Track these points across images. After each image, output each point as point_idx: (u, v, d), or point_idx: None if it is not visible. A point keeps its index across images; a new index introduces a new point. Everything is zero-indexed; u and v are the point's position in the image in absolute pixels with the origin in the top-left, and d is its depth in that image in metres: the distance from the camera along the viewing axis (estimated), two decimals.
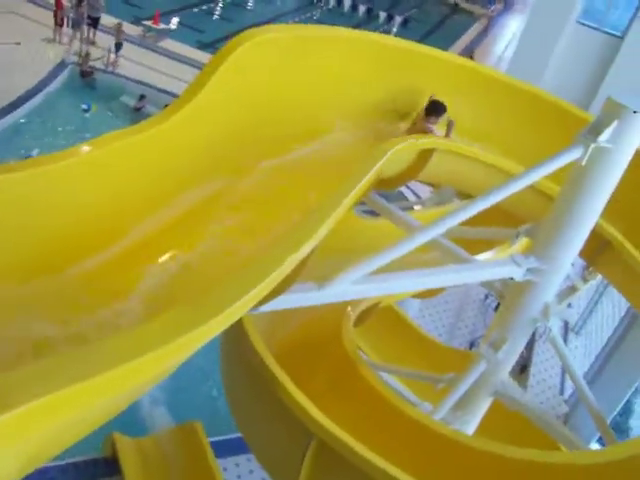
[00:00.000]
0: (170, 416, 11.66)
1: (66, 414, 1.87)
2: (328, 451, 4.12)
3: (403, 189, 15.85)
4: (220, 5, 33.50)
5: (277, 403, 4.39)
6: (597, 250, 6.67)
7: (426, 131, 6.09)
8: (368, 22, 36.07)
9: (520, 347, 5.90)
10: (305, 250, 3.21)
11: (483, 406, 6.31)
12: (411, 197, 15.68)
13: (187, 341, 2.36)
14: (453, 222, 4.79)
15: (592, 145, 4.64)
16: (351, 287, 4.37)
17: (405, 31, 35.49)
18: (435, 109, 6.10)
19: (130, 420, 11.23)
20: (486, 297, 14.70)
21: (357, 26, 31.93)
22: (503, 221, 6.21)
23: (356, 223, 7.92)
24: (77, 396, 1.87)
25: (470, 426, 6.40)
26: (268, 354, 4.60)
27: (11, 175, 3.04)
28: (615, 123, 4.61)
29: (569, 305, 14.70)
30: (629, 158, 4.84)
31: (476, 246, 7.28)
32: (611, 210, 5.74)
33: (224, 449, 10.40)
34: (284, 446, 4.82)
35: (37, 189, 3.15)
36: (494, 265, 5.28)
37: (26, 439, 1.81)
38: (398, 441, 5.01)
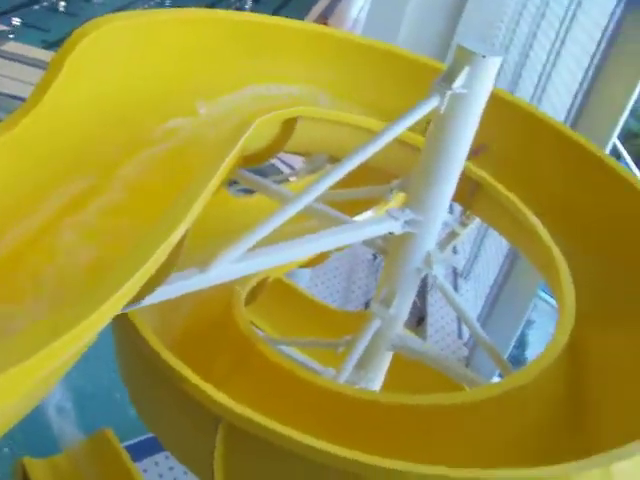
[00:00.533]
0: (79, 429, 11.37)
1: None
2: (237, 432, 4.10)
3: (277, 163, 15.87)
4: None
5: (178, 393, 4.33)
6: (469, 193, 6.88)
7: None
8: (220, 1, 35.67)
9: (410, 299, 6.03)
10: (174, 238, 3.16)
11: (384, 362, 6.44)
12: (285, 169, 15.71)
13: (53, 351, 2.27)
14: (324, 186, 4.82)
15: (448, 92, 4.75)
16: (233, 266, 4.36)
17: (258, 6, 35.35)
18: None
19: (37, 442, 10.91)
20: (374, 257, 14.97)
21: (211, 5, 31.53)
22: (381, 180, 6.31)
23: (233, 203, 7.89)
24: None
25: (376, 383, 6.53)
26: (160, 344, 4.52)
27: None
28: (467, 69, 4.73)
29: (455, 252, 15.30)
30: (485, 101, 4.99)
31: (357, 208, 7.41)
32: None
33: (140, 451, 10.29)
34: (193, 435, 4.77)
35: None
36: (372, 223, 5.36)
37: None
38: (307, 410, 5.05)
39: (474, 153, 5.77)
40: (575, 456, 3.96)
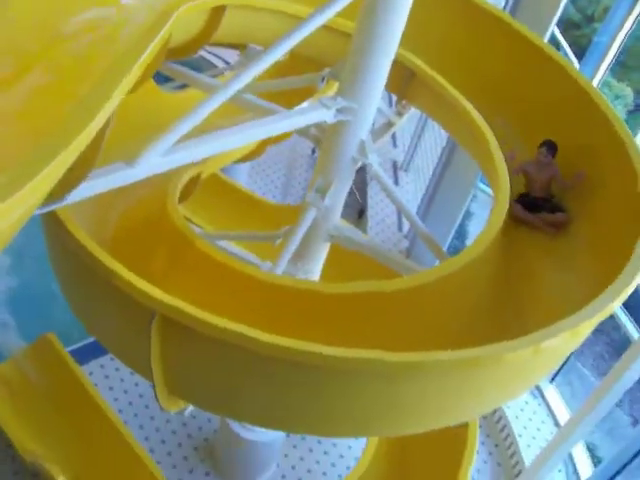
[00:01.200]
0: (21, 338, 11.36)
1: None
2: (171, 324, 4.08)
3: (211, 58, 15.44)
4: None
5: (110, 289, 4.28)
6: (404, 82, 6.80)
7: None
8: None
9: (345, 189, 6.00)
10: (93, 127, 3.02)
11: (321, 253, 6.46)
12: (220, 65, 15.31)
13: None
14: (252, 74, 4.69)
15: None
16: (161, 159, 4.26)
17: None
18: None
19: None
20: (313, 152, 14.87)
21: None
22: (314, 70, 6.18)
23: (165, 99, 7.68)
24: None
25: (314, 275, 6.57)
26: (88, 240, 4.42)
27: None
28: None
29: (395, 145, 15.24)
30: None
31: (292, 101, 7.26)
32: (412, 42, 5.82)
33: (85, 354, 10.30)
34: (129, 333, 4.74)
35: None
36: (304, 111, 5.27)
37: None
38: (246, 303, 5.05)
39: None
40: (504, 338, 4.08)
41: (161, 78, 6.95)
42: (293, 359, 3.84)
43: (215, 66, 15.50)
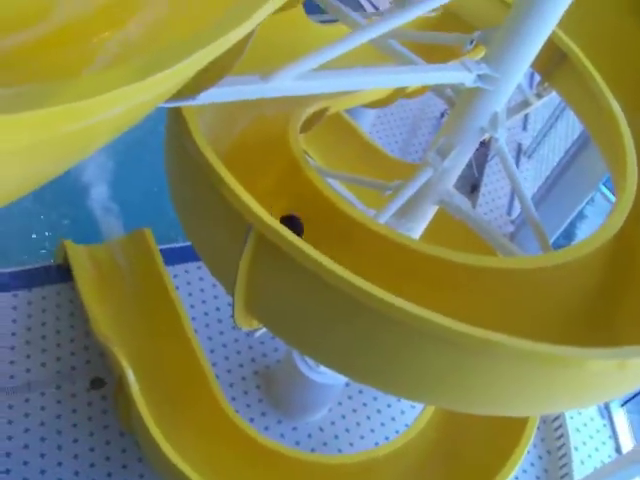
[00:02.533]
0: (122, 226, 11.73)
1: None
2: (265, 243, 4.14)
3: (363, 1, 15.31)
4: None
5: (217, 197, 4.35)
6: (553, 63, 6.56)
7: None
8: None
9: (466, 157, 5.88)
10: (237, 32, 3.03)
11: (428, 214, 6.38)
12: (370, 9, 15.17)
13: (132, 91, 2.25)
14: (400, 20, 4.60)
15: None
16: (295, 82, 4.25)
17: None
18: None
19: (82, 231, 11.30)
20: (442, 115, 14.64)
21: None
22: (459, 31, 6.03)
23: (311, 29, 7.66)
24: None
25: (414, 234, 6.50)
26: (208, 148, 4.51)
27: None
28: None
29: (524, 128, 14.87)
30: None
31: (435, 58, 7.13)
32: (571, 23, 5.58)
33: (175, 256, 10.60)
34: (224, 241, 4.83)
35: None
36: (444, 69, 5.14)
37: None
38: (340, 241, 5.07)
39: None
40: (593, 344, 3.97)
41: (310, 8, 6.93)
42: (392, 315, 3.85)
43: (364, 9, 15.37)
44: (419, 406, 9.38)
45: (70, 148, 2.44)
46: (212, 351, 9.91)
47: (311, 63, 4.28)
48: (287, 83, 4.23)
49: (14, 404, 8.73)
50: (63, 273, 10.06)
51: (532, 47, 5.09)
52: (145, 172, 12.82)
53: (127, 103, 2.37)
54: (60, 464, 8.48)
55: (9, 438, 8.49)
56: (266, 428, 9.45)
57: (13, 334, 9.34)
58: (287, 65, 4.20)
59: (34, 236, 12.33)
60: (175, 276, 10.43)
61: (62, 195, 12.46)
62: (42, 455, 8.48)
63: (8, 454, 8.37)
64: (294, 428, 9.59)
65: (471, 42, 5.65)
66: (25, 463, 8.38)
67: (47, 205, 12.55)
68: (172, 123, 5.09)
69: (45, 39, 3.21)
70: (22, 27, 3.15)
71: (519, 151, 14.46)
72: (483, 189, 13.39)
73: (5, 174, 2.16)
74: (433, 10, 8.04)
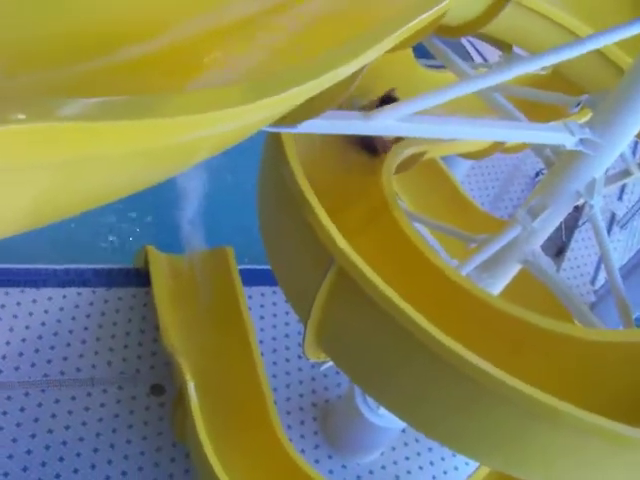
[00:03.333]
0: (206, 241, 11.93)
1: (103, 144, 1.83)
2: (345, 278, 4.15)
3: (471, 51, 15.30)
4: None
5: (304, 226, 4.40)
6: None
7: None
8: None
9: (557, 220, 5.79)
10: (349, 67, 3.08)
11: (510, 272, 6.28)
12: (477, 59, 15.14)
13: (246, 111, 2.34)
14: (509, 74, 4.59)
15: None
16: (396, 123, 4.28)
17: None
18: None
19: (166, 240, 11.54)
20: (536, 175, 14.44)
21: None
22: (567, 92, 5.97)
23: (419, 72, 7.70)
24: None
25: (493, 289, 6.41)
26: (303, 178, 4.57)
27: None
28: None
29: (620, 198, 14.52)
30: None
31: (538, 117, 7.07)
32: None
33: (253, 278, 10.69)
34: (305, 270, 4.87)
35: None
36: (546, 129, 5.09)
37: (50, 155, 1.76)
38: (419, 285, 5.03)
39: None
40: None
41: (420, 52, 6.98)
42: (465, 371, 3.82)
43: (472, 59, 15.36)
44: (473, 464, 9.17)
45: (170, 160, 2.51)
46: (274, 376, 9.93)
47: (415, 106, 4.30)
48: (389, 123, 4.26)
49: (77, 396, 8.93)
50: (142, 277, 10.28)
51: None
52: (235, 190, 13.05)
53: (233, 123, 2.43)
54: (110, 462, 8.61)
55: (66, 427, 8.67)
56: (316, 461, 9.38)
57: (86, 328, 9.57)
58: (390, 106, 4.24)
59: (115, 238, 12.65)
60: (250, 297, 10.51)
61: (150, 200, 12.80)
62: (95, 450, 8.63)
63: (64, 442, 8.56)
64: (344, 466, 9.50)
65: (577, 104, 5.59)
66: (78, 455, 8.54)
67: (134, 208, 12.88)
68: (270, 147, 5.18)
69: (158, 53, 3.32)
70: (136, 41, 3.26)
71: (612, 220, 14.13)
72: (569, 254, 13.12)
73: (109, 177, 2.23)
74: (542, 68, 7.99)
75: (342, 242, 4.16)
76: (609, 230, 13.86)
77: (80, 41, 3.03)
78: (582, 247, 13.36)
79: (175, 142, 2.21)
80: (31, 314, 9.47)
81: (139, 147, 2.05)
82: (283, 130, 3.92)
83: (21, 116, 1.58)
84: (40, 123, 1.63)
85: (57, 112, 1.70)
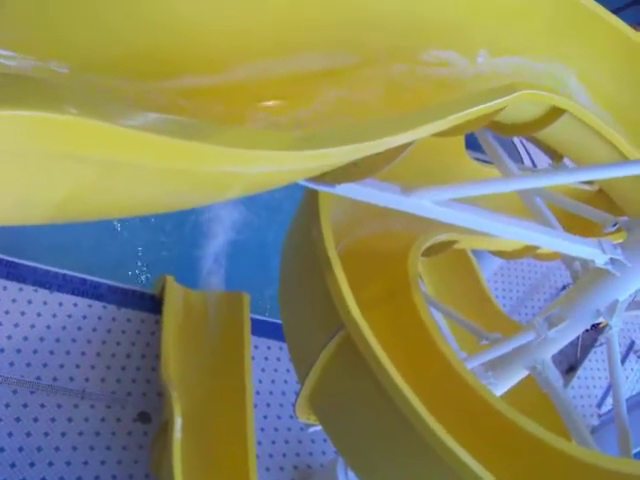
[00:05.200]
0: (224, 284, 12.01)
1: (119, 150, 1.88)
2: (350, 346, 4.14)
3: (523, 153, 15.40)
4: None
5: (322, 286, 4.41)
6: None
7: None
8: None
9: (573, 334, 5.75)
10: (403, 137, 3.13)
11: (515, 377, 6.21)
12: (527, 162, 15.21)
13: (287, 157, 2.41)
14: (552, 180, 4.64)
15: None
16: (432, 205, 4.31)
17: None
18: None
19: (186, 275, 11.64)
20: (563, 288, 14.36)
21: None
22: (607, 211, 5.98)
23: (465, 162, 7.77)
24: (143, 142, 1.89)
25: (496, 390, 6.34)
26: (331, 242, 4.60)
27: None
28: None
29: None
30: None
31: (574, 229, 7.08)
32: None
33: (263, 329, 10.72)
34: (313, 329, 4.87)
35: None
36: (579, 242, 5.10)
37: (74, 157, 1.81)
38: (423, 370, 5.01)
39: None
40: None
41: (471, 144, 7.05)
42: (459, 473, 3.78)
43: (522, 162, 15.45)
44: None
45: (203, 188, 2.56)
46: (262, 429, 9.83)
47: (454, 192, 4.34)
48: (425, 203, 4.29)
49: (63, 405, 8.89)
50: (154, 304, 10.32)
51: None
52: (265, 239, 13.17)
53: (273, 166, 2.48)
54: (79, 478, 8.50)
55: (45, 434, 8.61)
56: None
57: (89, 341, 9.58)
58: (431, 187, 4.27)
59: (138, 263, 12.75)
60: (256, 347, 10.50)
61: (179, 231, 12.95)
62: (68, 463, 8.54)
63: (39, 449, 8.49)
64: None
65: (614, 224, 5.59)
66: (50, 464, 8.45)
67: (160, 235, 13.00)
68: (305, 203, 5.24)
69: (218, 87, 3.40)
70: (198, 72, 3.35)
71: (630, 348, 13.95)
72: (580, 372, 12.96)
73: (141, 188, 2.28)
74: (589, 183, 8.03)
75: (356, 311, 4.16)
76: (625, 357, 13.68)
77: (148, 61, 3.13)
78: (595, 368, 13.19)
79: (213, 171, 2.26)
80: (39, 315, 9.51)
81: (179, 166, 2.10)
82: (321, 188, 3.96)
83: (74, 110, 1.64)
84: (96, 121, 1.70)
85: (115, 117, 1.77)
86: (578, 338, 12.87)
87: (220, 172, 2.30)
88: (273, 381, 10.47)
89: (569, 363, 13.18)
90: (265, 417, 10.00)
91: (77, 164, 1.87)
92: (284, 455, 9.82)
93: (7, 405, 8.61)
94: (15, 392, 8.74)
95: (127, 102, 3.01)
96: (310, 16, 3.81)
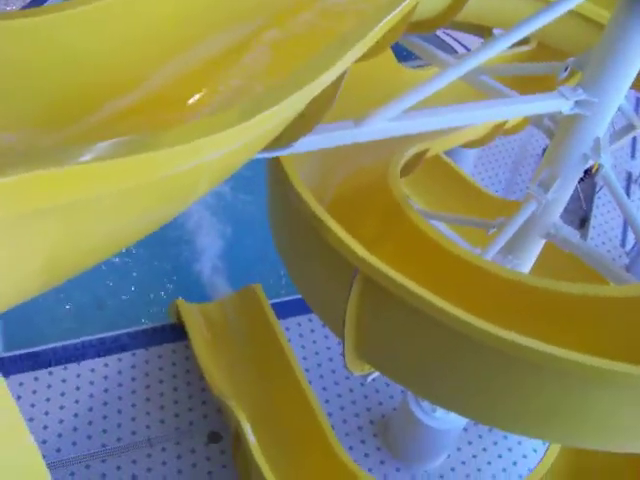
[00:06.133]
0: (231, 285, 11.98)
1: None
2: (371, 285, 4.15)
3: (452, 43, 15.32)
4: None
5: (321, 244, 4.41)
6: None
7: None
8: None
9: (570, 187, 5.75)
10: (330, 74, 3.11)
11: (535, 249, 6.24)
12: (460, 50, 15.12)
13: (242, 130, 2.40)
14: (490, 52, 4.59)
15: None
16: (388, 124, 4.29)
17: None
18: None
19: (193, 290, 11.64)
20: (544, 152, 14.34)
21: None
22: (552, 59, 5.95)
23: (402, 73, 7.72)
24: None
25: (522, 269, 6.37)
26: (310, 196, 4.59)
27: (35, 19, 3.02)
28: None
29: (633, 156, 14.40)
30: None
31: (532, 90, 7.06)
32: None
33: (286, 310, 10.72)
34: (331, 287, 4.87)
35: (65, 32, 3.13)
36: (540, 98, 5.07)
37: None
38: (446, 279, 5.02)
39: None
40: None
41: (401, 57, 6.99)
42: (496, 345, 3.80)
43: (455, 51, 15.37)
44: (540, 451, 9.06)
45: (173, 193, 2.55)
46: (327, 401, 9.89)
47: (404, 104, 4.31)
48: (381, 125, 4.27)
49: (137, 459, 8.96)
50: (177, 331, 10.34)
51: (630, 67, 4.97)
52: (248, 228, 13.11)
53: (224, 148, 2.47)
54: None
55: None
56: (385, 476, 9.31)
57: (133, 392, 9.62)
58: (380, 108, 4.25)
59: (151, 296, 12.67)
60: (287, 329, 10.53)
61: (170, 255, 12.88)
62: None
63: None
64: (413, 476, 9.42)
65: (565, 69, 5.57)
66: None
67: (154, 264, 12.91)
68: (273, 176, 5.21)
69: (142, 103, 3.39)
70: (120, 93, 3.33)
71: (629, 180, 13.97)
72: (593, 221, 13.00)
73: (119, 218, 2.27)
74: (526, 43, 7.99)
75: (361, 250, 4.16)
76: (627, 190, 13.73)
77: (66, 105, 3.12)
78: (605, 212, 13.24)
79: (172, 174, 2.26)
80: (78, 388, 9.53)
81: (146, 179, 2.11)
82: (279, 153, 3.94)
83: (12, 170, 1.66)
84: (54, 169, 1.72)
85: (69, 157, 1.79)
86: (578, 191, 12.91)
87: (179, 173, 2.30)
88: (316, 353, 10.52)
89: (579, 218, 13.23)
90: (324, 389, 10.06)
91: (39, 222, 1.87)
92: (357, 415, 9.90)
93: None
94: (88, 467, 8.81)
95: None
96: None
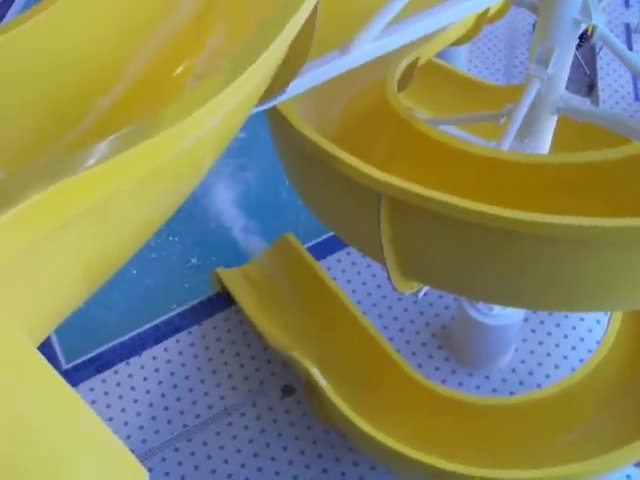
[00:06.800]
0: (264, 240, 11.98)
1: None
2: (398, 205, 4.15)
3: None
4: None
5: (339, 178, 4.41)
6: None
7: None
8: None
9: (569, 56, 5.64)
10: (300, 14, 3.06)
11: (549, 127, 6.17)
12: None
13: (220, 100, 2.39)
14: None
15: None
16: (374, 44, 4.24)
17: None
18: None
19: (228, 254, 11.69)
20: (533, 27, 14.02)
21: None
22: None
23: None
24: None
25: (542, 150, 6.31)
26: (315, 134, 4.57)
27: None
28: None
29: (627, 6, 14.00)
30: None
31: None
32: None
33: (322, 250, 10.79)
34: (360, 218, 4.88)
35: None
36: None
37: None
38: (471, 179, 5.01)
39: None
40: None
41: None
42: (519, 229, 3.80)
43: None
44: (604, 320, 9.09)
45: (185, 170, 2.56)
46: (385, 327, 9.97)
47: (382, 20, 4.25)
48: (367, 47, 4.22)
49: (220, 430, 9.20)
50: (224, 299, 10.45)
51: None
52: (265, 179, 13.04)
53: (221, 111, 2.47)
54: (277, 473, 8.85)
55: (225, 461, 8.95)
56: (460, 384, 9.42)
57: (199, 368, 9.79)
58: (361, 31, 4.19)
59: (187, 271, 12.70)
60: (329, 268, 10.57)
61: (199, 229, 12.86)
62: (259, 469, 8.88)
63: (230, 475, 8.81)
64: (487, 377, 9.52)
65: None
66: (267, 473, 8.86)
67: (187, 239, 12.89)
68: (275, 125, 5.19)
69: (130, 93, 3.38)
70: (102, 89, 3.33)
71: (628, 31, 13.56)
72: (601, 84, 12.71)
73: (140, 204, 2.30)
74: None
75: (380, 174, 4.15)
76: (629, 42, 13.37)
77: (62, 112, 3.13)
78: (611, 72, 12.94)
79: (181, 149, 2.28)
80: (145, 379, 9.73)
81: (147, 168, 2.12)
82: (275, 101, 3.92)
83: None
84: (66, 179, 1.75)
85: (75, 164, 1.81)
86: (578, 58, 12.65)
87: (187, 148, 2.31)
88: (364, 283, 10.57)
89: (586, 84, 12.99)
90: (380, 316, 10.13)
91: (72, 231, 1.90)
92: (418, 333, 9.97)
93: (180, 463, 8.93)
94: (177, 449, 9.04)
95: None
96: None
